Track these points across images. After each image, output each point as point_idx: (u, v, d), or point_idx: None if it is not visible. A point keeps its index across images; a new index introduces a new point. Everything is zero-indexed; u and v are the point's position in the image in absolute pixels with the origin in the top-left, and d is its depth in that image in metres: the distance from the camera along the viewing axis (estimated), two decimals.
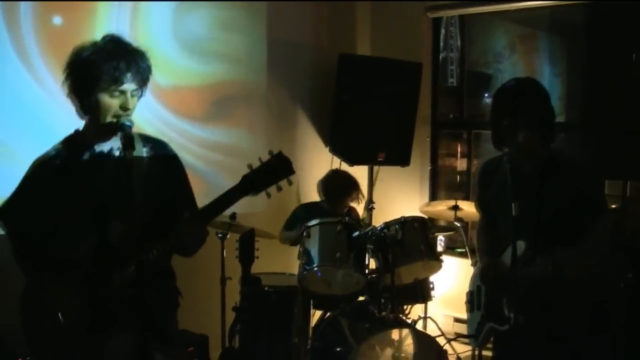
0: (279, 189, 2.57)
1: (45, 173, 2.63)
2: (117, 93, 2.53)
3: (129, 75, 2.53)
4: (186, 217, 2.59)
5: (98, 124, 2.60)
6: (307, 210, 4.80)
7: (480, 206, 3.50)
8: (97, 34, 3.90)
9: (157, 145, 2.77)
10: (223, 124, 5.03)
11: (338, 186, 4.89)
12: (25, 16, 3.85)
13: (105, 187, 2.59)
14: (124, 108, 2.56)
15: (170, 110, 4.64)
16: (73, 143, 2.67)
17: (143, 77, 2.60)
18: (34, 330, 2.62)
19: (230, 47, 5.01)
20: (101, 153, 2.63)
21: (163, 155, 2.76)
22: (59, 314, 2.52)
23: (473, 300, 3.46)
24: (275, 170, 2.53)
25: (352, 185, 4.91)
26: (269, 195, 2.57)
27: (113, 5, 4.24)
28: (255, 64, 5.23)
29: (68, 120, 3.50)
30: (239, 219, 4.21)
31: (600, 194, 3.18)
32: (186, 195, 2.81)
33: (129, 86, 2.55)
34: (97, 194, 2.59)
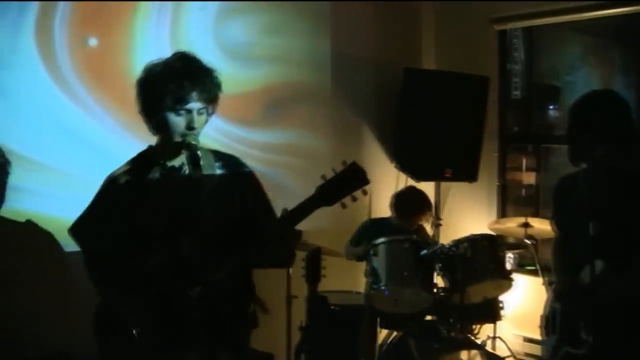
0: (354, 199, 2.50)
1: (117, 189, 2.65)
2: (182, 112, 2.54)
3: (194, 94, 2.53)
4: (266, 225, 2.57)
5: (166, 143, 2.63)
6: (375, 226, 4.76)
7: (556, 224, 3.38)
8: (136, 52, 3.93)
9: (230, 162, 2.76)
10: (287, 127, 5.03)
11: (412, 203, 4.80)
12: (59, 40, 3.82)
13: (175, 203, 2.60)
14: (190, 127, 2.56)
15: (229, 119, 4.63)
16: (145, 159, 2.70)
17: (210, 96, 2.60)
18: (109, 347, 2.63)
19: (285, 51, 5.00)
20: (171, 170, 2.65)
21: (236, 172, 2.75)
22: (133, 330, 2.52)
23: (548, 323, 3.35)
24: (350, 180, 2.47)
25: (426, 204, 4.82)
26: (344, 206, 2.51)
27: (151, 21, 4.19)
28: (320, 76, 5.24)
29: (114, 138, 3.52)
30: (305, 237, 4.16)
31: None
32: (265, 210, 2.77)
33: (194, 105, 2.55)
34: (167, 211, 2.60)
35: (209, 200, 2.56)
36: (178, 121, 2.55)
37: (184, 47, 2.72)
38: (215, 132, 4.44)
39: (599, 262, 2.90)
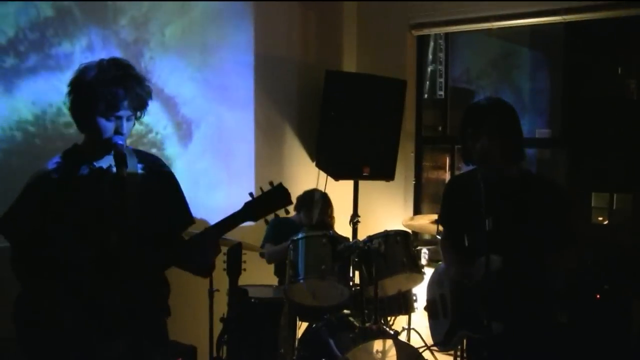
0: (276, 216, 2.79)
1: (44, 185, 2.70)
2: (112, 118, 2.65)
3: (125, 102, 2.64)
4: (195, 236, 2.78)
5: (94, 143, 2.72)
6: (284, 224, 4.75)
7: (445, 221, 3.61)
8: None
9: (151, 162, 2.88)
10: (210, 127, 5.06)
11: (310, 201, 5.00)
12: None
13: (101, 200, 2.68)
14: (118, 132, 2.67)
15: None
16: (72, 157, 2.77)
17: (140, 103, 2.71)
18: (30, 337, 2.68)
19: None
20: (98, 168, 2.73)
21: (158, 171, 2.88)
22: (55, 321, 2.60)
23: (436, 307, 3.56)
24: (275, 200, 2.76)
25: (323, 201, 5.02)
26: (267, 221, 2.84)
27: None
28: (243, 76, 5.30)
29: None
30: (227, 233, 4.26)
31: (569, 214, 3.30)
32: (182, 208, 2.95)
33: (124, 112, 2.66)
34: (93, 207, 2.68)
35: (134, 198, 2.69)
36: (107, 125, 2.65)
37: None
38: None
39: (494, 255, 3.10)
